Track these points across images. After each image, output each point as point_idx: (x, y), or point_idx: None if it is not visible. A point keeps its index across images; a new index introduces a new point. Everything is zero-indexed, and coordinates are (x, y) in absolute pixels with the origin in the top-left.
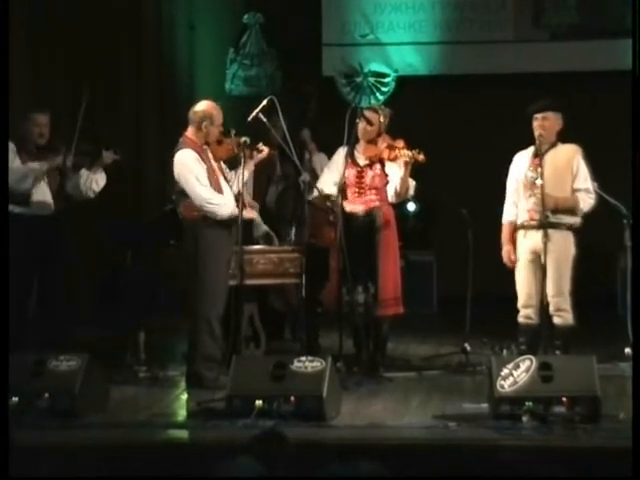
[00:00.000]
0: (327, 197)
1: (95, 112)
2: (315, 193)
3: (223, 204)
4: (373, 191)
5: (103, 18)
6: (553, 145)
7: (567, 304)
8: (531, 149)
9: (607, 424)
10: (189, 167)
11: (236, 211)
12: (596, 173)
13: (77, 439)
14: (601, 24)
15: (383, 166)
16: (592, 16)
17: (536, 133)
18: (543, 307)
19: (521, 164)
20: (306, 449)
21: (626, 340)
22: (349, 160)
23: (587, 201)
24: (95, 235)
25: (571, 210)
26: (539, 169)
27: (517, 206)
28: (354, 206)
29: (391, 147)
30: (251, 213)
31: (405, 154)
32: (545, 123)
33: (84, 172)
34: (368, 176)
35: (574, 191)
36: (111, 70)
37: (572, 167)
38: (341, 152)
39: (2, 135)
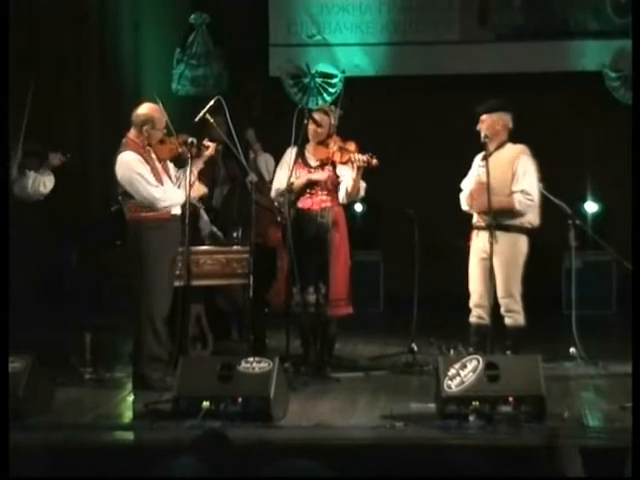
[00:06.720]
0: (277, 196)
1: (39, 112)
2: (270, 192)
3: (175, 199)
4: (325, 192)
5: (46, 17)
6: (501, 146)
7: (517, 305)
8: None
9: (552, 423)
10: (133, 168)
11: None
12: (541, 173)
13: (21, 441)
14: (546, 25)
15: (334, 167)
16: (537, 17)
17: (482, 134)
18: (493, 308)
19: (475, 165)
20: (253, 449)
21: (571, 340)
22: (299, 160)
23: (523, 202)
24: (40, 235)
25: (510, 212)
26: (485, 170)
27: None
28: (306, 206)
29: (343, 150)
30: (201, 190)
31: (359, 159)
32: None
33: (31, 174)
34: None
35: (511, 192)
36: (55, 70)
37: (513, 168)
38: (291, 152)
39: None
